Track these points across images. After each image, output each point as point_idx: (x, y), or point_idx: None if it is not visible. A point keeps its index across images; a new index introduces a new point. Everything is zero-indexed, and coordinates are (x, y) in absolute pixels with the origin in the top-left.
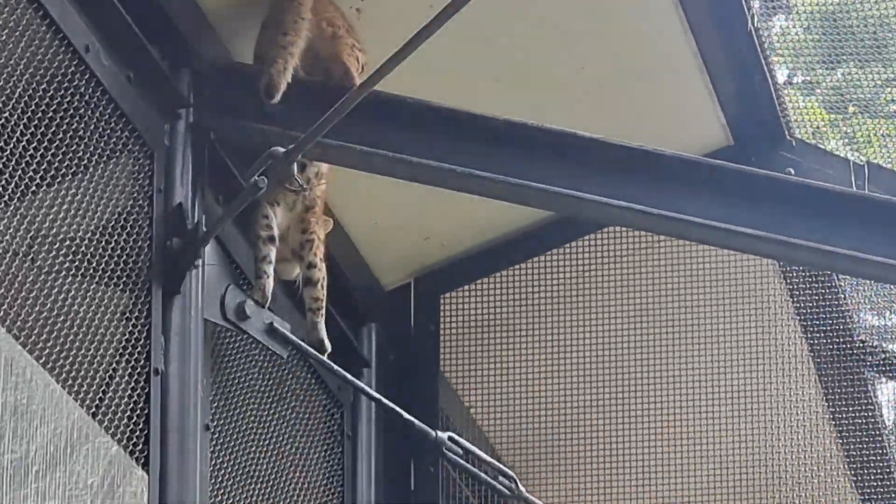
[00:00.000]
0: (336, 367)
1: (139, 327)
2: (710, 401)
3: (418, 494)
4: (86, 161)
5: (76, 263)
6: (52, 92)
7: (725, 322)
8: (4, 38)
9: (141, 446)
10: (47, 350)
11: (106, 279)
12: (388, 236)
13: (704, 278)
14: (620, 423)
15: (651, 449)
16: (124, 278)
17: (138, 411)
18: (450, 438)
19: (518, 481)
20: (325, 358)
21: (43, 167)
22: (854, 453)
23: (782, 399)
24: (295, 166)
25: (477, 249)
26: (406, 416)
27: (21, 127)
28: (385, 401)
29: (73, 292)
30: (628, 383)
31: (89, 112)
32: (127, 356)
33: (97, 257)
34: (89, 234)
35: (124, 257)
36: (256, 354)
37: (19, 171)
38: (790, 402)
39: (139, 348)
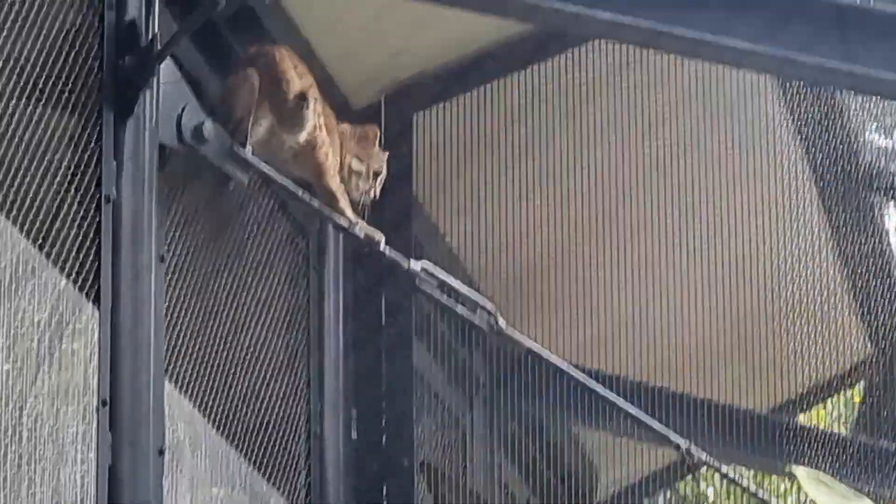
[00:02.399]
0: (301, 193)
1: (88, 152)
2: (706, 227)
3: (389, 329)
4: None
5: (20, 85)
6: None
7: (720, 144)
8: None
9: (91, 280)
10: None
11: (52, 101)
12: (357, 51)
13: (696, 95)
14: (608, 252)
15: (641, 280)
16: (73, 99)
17: (88, 242)
18: (423, 269)
19: (497, 315)
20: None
21: None
22: (860, 283)
23: (783, 225)
24: None
25: (452, 65)
26: (377, 244)
27: None
28: (354, 228)
29: (16, 116)
30: (617, 209)
31: None
32: (76, 183)
33: (42, 78)
34: (34, 54)
35: (73, 77)
36: (215, 180)
37: None
38: (792, 228)
39: (88, 174)
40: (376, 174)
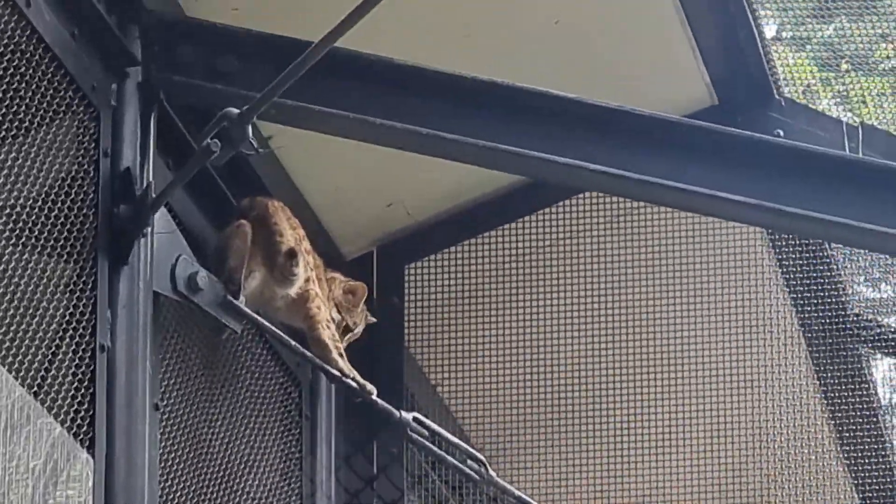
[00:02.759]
0: (294, 342)
1: (84, 300)
2: (693, 378)
3: (381, 478)
4: (27, 123)
5: (16, 232)
6: None
7: (709, 295)
8: None
9: (86, 428)
10: None
11: (48, 248)
12: (349, 202)
13: (686, 248)
14: (597, 402)
15: (630, 430)
16: (68, 248)
17: (83, 390)
18: (415, 419)
19: (488, 465)
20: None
21: None
22: (847, 434)
23: (771, 376)
24: (250, 129)
25: (444, 216)
26: (370, 396)
27: None
28: (346, 379)
29: (12, 262)
30: (605, 359)
31: (31, 71)
32: (71, 331)
33: (39, 225)
34: (31, 201)
35: (68, 225)
36: (209, 329)
37: None
38: (779, 379)
39: (84, 322)
40: (347, 329)
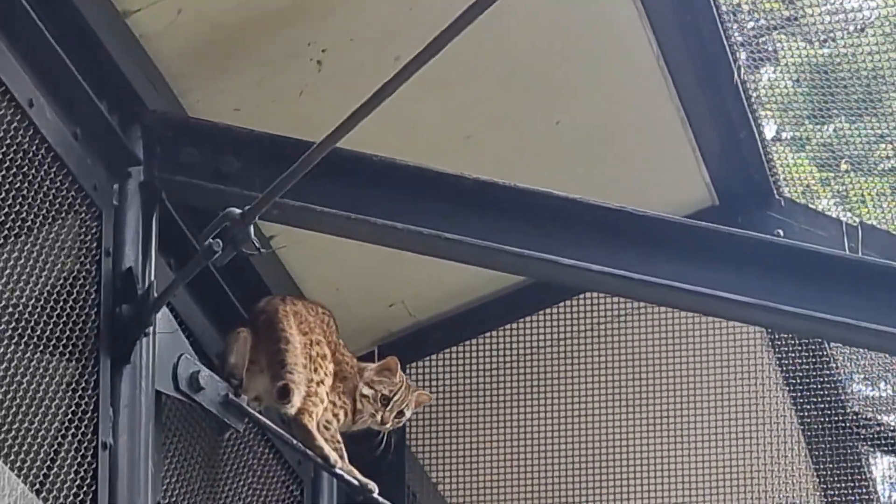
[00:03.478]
0: (295, 440)
1: (86, 398)
2: (695, 476)
3: None
4: (29, 222)
5: (19, 331)
6: None
7: (710, 393)
8: None
9: None
10: None
11: (51, 347)
12: (351, 302)
13: (688, 347)
14: (601, 501)
15: None
16: (70, 346)
17: (85, 488)
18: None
19: None
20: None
21: None
22: None
23: (770, 474)
24: (252, 229)
25: (445, 316)
26: (370, 494)
27: None
28: (348, 477)
29: (15, 361)
30: (609, 458)
31: (33, 170)
32: (73, 429)
33: (42, 325)
34: (33, 300)
35: (70, 324)
36: (211, 427)
37: None
38: (779, 477)
39: (86, 421)
40: (385, 399)
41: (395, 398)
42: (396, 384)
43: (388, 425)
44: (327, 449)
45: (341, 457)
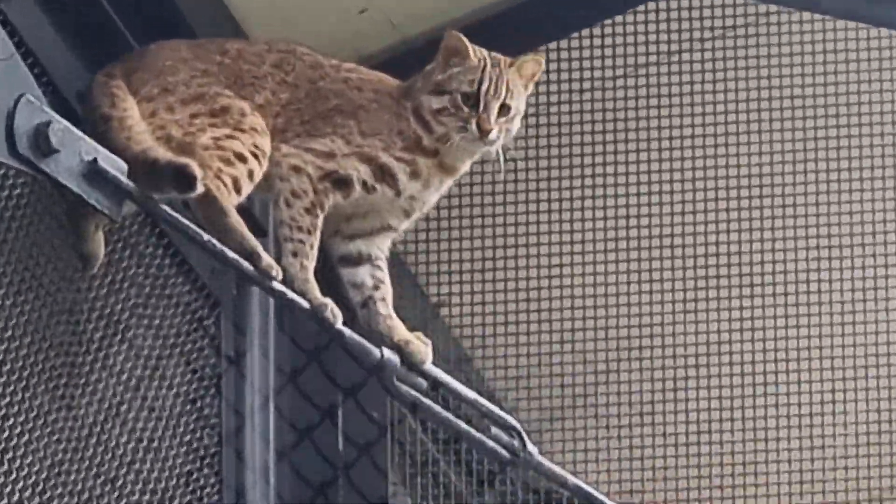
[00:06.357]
0: (207, 235)
1: None
2: (825, 318)
3: (358, 466)
4: None
5: None
6: None
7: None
8: None
9: None
10: None
11: None
12: (302, 4)
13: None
14: (674, 349)
15: (721, 395)
16: None
17: None
18: (407, 364)
19: (526, 438)
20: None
21: None
22: None
23: None
24: None
25: (444, 27)
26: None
27: None
28: (292, 295)
29: None
30: (685, 282)
31: None
32: None
33: None
34: None
35: None
36: (71, 216)
37: None
38: None
39: None
40: (469, 97)
41: (485, 87)
42: (477, 66)
43: (492, 133)
44: (250, 238)
45: (300, 259)
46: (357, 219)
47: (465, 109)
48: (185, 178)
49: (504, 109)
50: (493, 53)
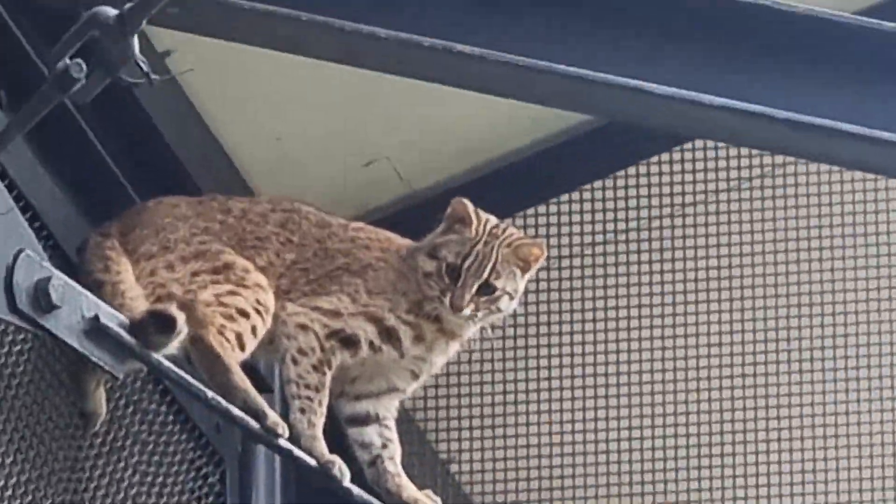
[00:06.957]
0: (211, 393)
1: None
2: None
3: None
4: None
5: None
6: None
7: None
8: None
9: None
10: None
11: None
12: (303, 158)
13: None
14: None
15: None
16: None
17: None
18: None
19: None
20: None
21: None
22: None
23: None
24: (135, 41)
25: (455, 181)
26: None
27: None
28: (299, 453)
29: None
30: (699, 437)
31: None
32: None
33: None
34: None
35: None
36: (71, 373)
37: None
38: None
39: None
40: (450, 269)
41: (468, 263)
42: (471, 239)
43: (465, 311)
44: (255, 395)
45: (308, 416)
46: (362, 381)
47: (446, 280)
48: (163, 319)
49: (486, 288)
50: (499, 227)
